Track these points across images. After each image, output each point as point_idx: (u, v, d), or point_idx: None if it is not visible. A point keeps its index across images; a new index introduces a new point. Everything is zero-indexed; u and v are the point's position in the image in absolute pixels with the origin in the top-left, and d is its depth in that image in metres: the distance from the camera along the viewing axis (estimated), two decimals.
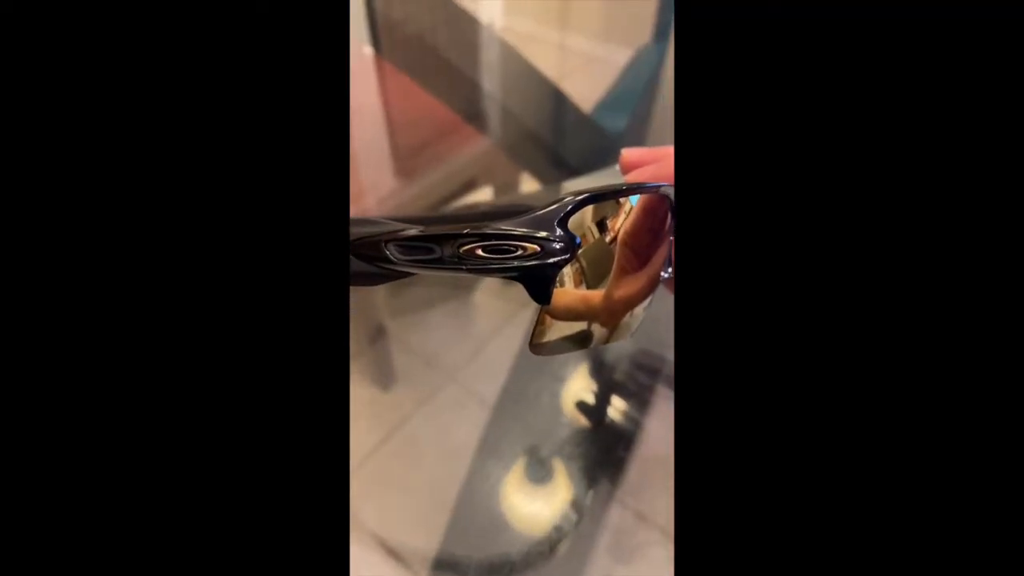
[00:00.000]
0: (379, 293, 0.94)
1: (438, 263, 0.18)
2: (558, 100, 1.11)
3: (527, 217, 0.18)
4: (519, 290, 0.20)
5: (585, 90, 1.18)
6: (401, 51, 1.05)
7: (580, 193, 0.18)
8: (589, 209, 0.19)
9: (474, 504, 0.71)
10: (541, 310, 0.20)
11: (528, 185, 0.94)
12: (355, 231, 0.19)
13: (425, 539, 0.69)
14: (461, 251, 0.18)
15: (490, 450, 0.82)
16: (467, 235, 0.17)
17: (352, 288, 0.18)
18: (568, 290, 0.20)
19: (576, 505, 0.69)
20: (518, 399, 0.83)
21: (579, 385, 0.81)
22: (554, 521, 0.67)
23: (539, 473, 0.73)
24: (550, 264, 0.18)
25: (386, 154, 1.03)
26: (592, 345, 0.22)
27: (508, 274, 0.18)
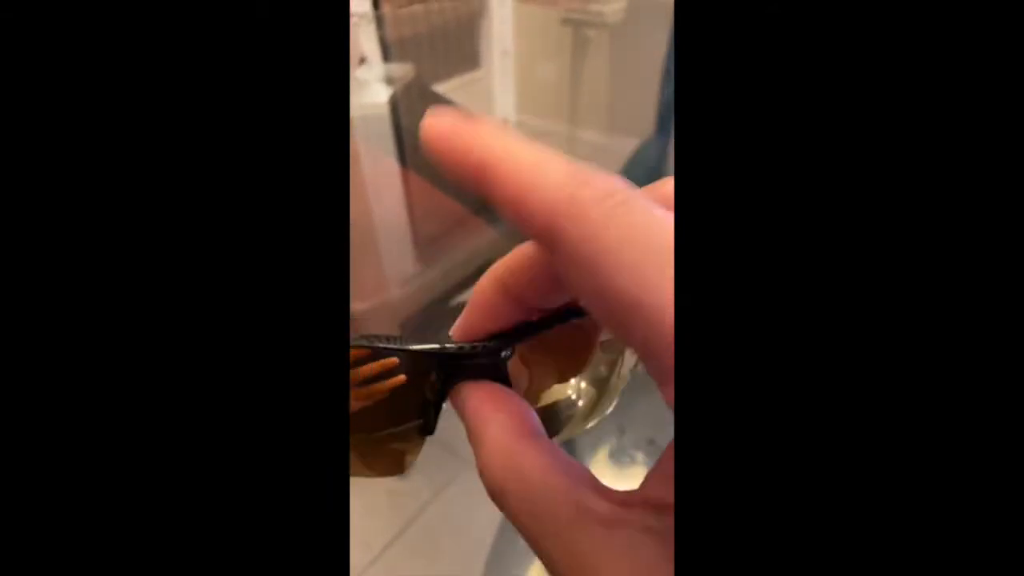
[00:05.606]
0: None
1: None
2: None
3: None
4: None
5: None
6: (421, 158, 1.15)
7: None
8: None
9: None
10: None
11: None
12: None
13: None
14: None
15: (507, 545, 0.79)
16: None
17: None
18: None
19: None
20: None
21: (597, 472, 0.78)
22: None
23: None
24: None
25: (408, 245, 1.16)
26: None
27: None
